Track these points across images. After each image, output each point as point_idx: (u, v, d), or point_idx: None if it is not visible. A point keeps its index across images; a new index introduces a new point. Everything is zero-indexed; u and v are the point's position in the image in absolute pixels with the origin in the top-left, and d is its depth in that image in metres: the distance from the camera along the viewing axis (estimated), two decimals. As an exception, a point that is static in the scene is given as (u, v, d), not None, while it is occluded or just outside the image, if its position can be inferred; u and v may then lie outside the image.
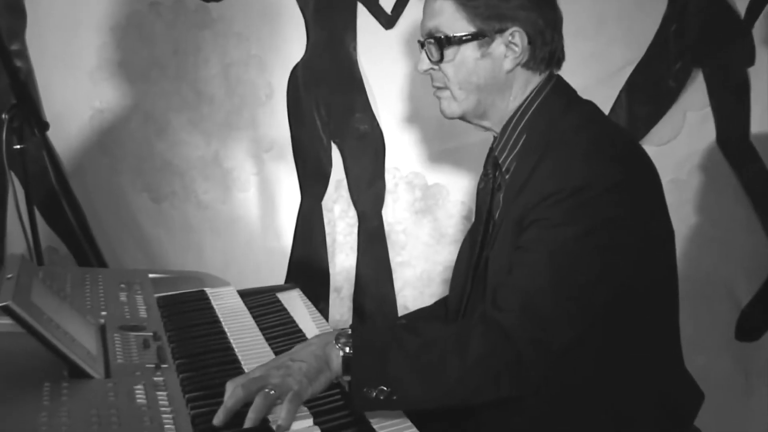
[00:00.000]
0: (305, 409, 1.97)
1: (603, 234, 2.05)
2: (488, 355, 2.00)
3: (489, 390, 2.03)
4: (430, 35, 2.29)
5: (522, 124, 2.29)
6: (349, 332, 2.06)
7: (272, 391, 1.94)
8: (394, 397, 1.98)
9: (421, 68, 2.34)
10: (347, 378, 2.03)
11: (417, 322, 2.40)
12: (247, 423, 1.89)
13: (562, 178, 2.07)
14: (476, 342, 2.01)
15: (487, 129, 2.39)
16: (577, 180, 2.05)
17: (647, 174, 2.21)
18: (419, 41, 2.36)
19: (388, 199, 4.09)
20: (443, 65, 2.28)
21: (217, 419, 1.90)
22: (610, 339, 2.14)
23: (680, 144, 3.76)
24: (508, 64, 2.26)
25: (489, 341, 2.01)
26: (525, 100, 2.30)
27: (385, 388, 1.97)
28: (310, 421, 1.94)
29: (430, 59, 2.30)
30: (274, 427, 1.89)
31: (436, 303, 2.78)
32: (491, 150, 2.43)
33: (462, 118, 2.37)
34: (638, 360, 2.20)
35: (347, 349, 2.02)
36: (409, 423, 2.01)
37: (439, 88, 2.35)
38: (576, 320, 2.05)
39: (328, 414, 2.00)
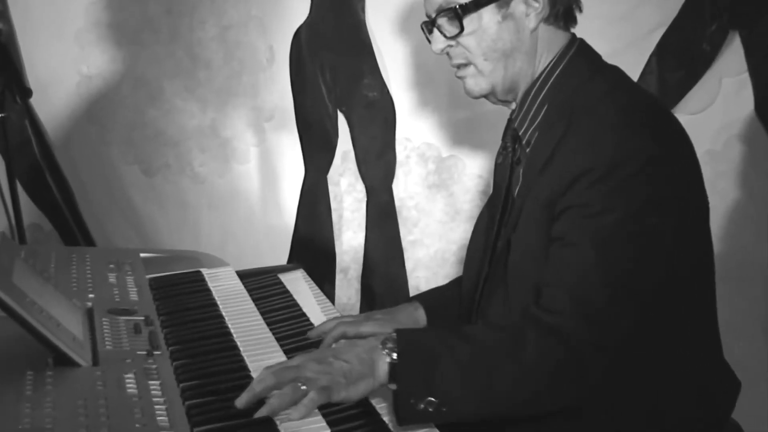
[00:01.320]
0: (320, 417, 1.96)
1: (646, 216, 2.03)
2: (545, 361, 1.99)
3: (546, 399, 2.03)
4: (441, 9, 2.27)
5: (544, 92, 2.27)
6: (395, 336, 2.04)
7: (303, 386, 1.94)
8: (444, 409, 1.97)
9: (437, 48, 2.31)
10: (393, 387, 2.01)
11: (465, 327, 2.39)
12: (265, 408, 1.90)
13: (591, 154, 2.06)
14: (532, 348, 1.99)
15: (512, 103, 2.38)
16: (608, 156, 2.04)
17: (682, 145, 2.19)
18: (424, 23, 2.34)
19: (399, 172, 4.09)
20: (463, 38, 2.26)
21: (240, 401, 1.91)
22: (651, 329, 2.12)
23: (715, 113, 3.75)
24: (531, 22, 2.24)
25: (545, 347, 1.99)
26: (548, 64, 2.28)
27: (434, 400, 1.95)
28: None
29: (445, 36, 2.28)
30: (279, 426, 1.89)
31: (451, 283, 2.77)
32: (510, 121, 2.41)
33: (490, 95, 2.34)
34: (676, 350, 2.18)
35: (394, 355, 2.01)
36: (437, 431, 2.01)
37: (460, 66, 2.33)
38: (631, 315, 2.04)
39: (345, 422, 1.98)
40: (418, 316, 2.56)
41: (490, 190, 2.61)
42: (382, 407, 2.04)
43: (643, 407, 2.18)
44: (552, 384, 2.01)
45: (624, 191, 2.03)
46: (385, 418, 2.00)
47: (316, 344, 2.37)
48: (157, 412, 1.85)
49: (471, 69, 2.30)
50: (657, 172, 2.04)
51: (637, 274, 2.03)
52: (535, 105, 2.27)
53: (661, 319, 2.11)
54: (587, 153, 2.06)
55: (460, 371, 1.98)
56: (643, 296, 2.04)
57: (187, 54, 4.14)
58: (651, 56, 3.75)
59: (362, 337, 2.32)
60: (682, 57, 3.74)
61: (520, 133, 2.31)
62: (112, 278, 2.61)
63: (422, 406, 1.95)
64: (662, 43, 3.74)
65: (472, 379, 1.98)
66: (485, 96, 2.35)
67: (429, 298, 2.66)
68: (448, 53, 2.32)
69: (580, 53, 2.30)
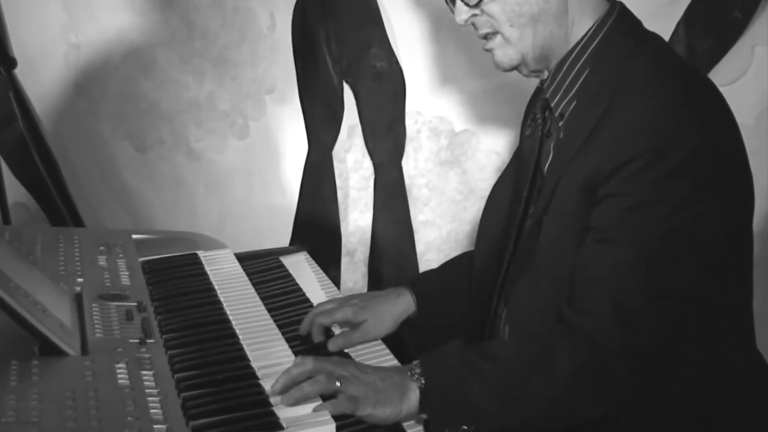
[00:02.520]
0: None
1: (691, 207, 2.02)
2: (578, 371, 2.01)
3: (584, 410, 2.06)
4: None
5: (582, 60, 2.24)
6: (420, 363, 2.09)
7: (338, 382, 1.99)
8: None
9: (460, 19, 2.29)
10: (424, 416, 2.05)
11: (488, 344, 2.39)
12: (295, 392, 1.96)
13: (635, 139, 2.04)
14: (563, 358, 2.02)
15: (544, 72, 2.35)
16: (654, 141, 2.02)
17: (728, 124, 2.18)
18: None
19: (409, 148, 4.08)
20: (486, 5, 2.24)
21: (278, 384, 1.98)
22: (687, 326, 2.10)
23: (748, 84, 3.73)
24: None
25: (577, 355, 2.01)
26: (587, 31, 2.25)
27: (467, 428, 2.00)
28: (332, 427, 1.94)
29: (468, 4, 2.27)
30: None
31: (443, 266, 2.79)
32: (540, 90, 2.39)
33: (521, 65, 2.31)
34: (710, 345, 2.15)
35: (423, 381, 2.05)
36: None
37: (487, 38, 2.31)
38: (669, 315, 2.04)
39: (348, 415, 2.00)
40: (399, 303, 2.57)
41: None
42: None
43: (674, 407, 2.17)
44: (586, 395, 2.04)
45: (669, 182, 2.01)
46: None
47: (307, 338, 2.42)
48: (151, 404, 1.85)
49: (498, 39, 2.28)
50: (706, 157, 2.03)
51: (678, 272, 2.03)
52: (571, 74, 2.25)
53: (697, 315, 2.09)
54: (630, 137, 2.05)
55: (491, 393, 2.02)
56: (683, 294, 2.04)
57: (183, 22, 4.13)
58: (678, 23, 3.73)
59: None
60: (711, 24, 3.72)
61: (552, 105, 2.28)
62: (102, 261, 2.61)
63: None
64: (690, 10, 3.72)
65: (504, 400, 2.02)
66: (516, 67, 2.32)
67: (421, 283, 2.66)
68: (473, 24, 2.30)
69: (621, 21, 2.26)
